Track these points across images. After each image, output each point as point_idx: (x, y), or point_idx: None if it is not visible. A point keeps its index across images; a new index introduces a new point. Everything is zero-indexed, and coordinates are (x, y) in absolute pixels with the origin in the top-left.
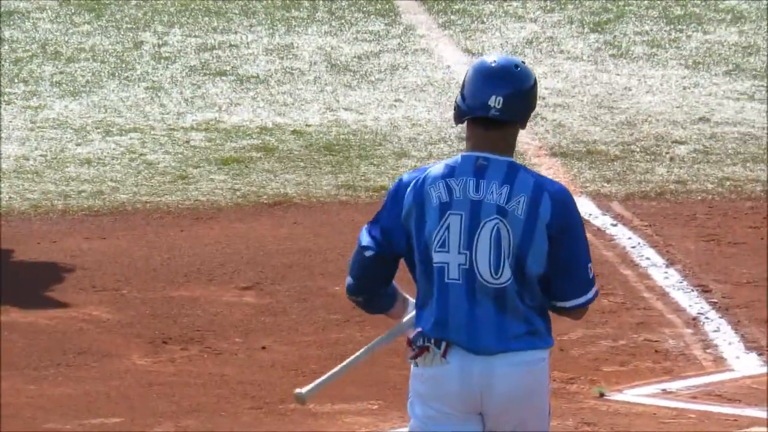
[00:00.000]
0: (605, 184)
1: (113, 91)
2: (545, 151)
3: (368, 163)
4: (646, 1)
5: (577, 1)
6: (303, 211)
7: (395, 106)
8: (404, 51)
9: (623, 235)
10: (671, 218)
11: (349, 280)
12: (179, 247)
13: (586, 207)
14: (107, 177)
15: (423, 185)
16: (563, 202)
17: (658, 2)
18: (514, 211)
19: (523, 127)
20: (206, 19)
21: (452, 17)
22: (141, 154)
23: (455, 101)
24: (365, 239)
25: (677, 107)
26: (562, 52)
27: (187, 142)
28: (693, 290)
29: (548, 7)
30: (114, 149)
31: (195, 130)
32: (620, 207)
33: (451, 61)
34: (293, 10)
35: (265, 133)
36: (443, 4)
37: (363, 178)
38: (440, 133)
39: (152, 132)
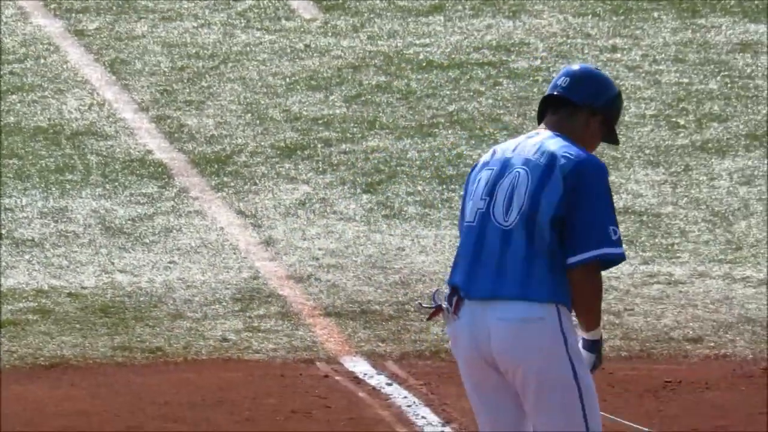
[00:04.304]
0: (380, 344)
1: None
2: (319, 311)
3: (144, 325)
4: (417, 162)
5: (348, 163)
6: (80, 373)
7: (170, 267)
8: (178, 213)
9: (399, 395)
10: (446, 377)
11: None
12: None
13: (360, 367)
14: None
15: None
16: (587, 162)
17: (430, 163)
18: (537, 159)
19: (593, 114)
20: None
21: (225, 179)
22: None
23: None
24: None
25: (450, 267)
26: (335, 212)
27: None
28: None
29: (320, 169)
30: None
31: None
32: (395, 366)
33: (224, 223)
34: (67, 174)
35: (41, 295)
36: (216, 167)
37: (139, 339)
38: (214, 294)
39: None
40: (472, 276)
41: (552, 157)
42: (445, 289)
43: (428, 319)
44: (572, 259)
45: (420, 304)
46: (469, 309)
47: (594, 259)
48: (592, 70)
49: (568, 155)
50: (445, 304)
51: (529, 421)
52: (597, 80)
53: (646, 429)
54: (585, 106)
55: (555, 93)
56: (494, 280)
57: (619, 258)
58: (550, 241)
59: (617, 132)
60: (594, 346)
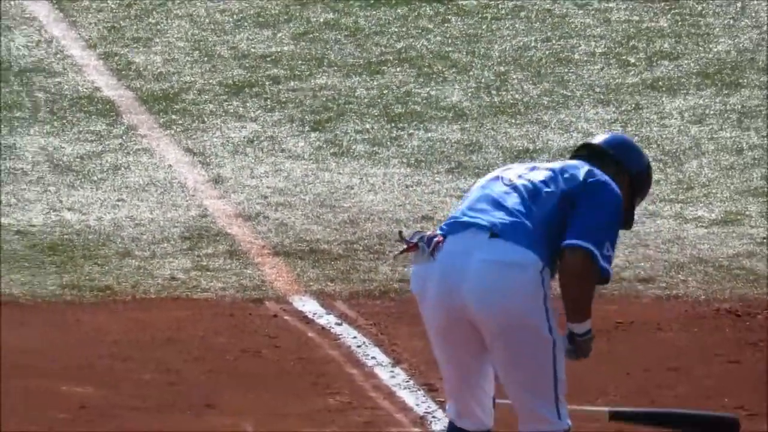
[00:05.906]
0: (329, 283)
1: None
2: (268, 250)
3: (92, 263)
4: (366, 100)
5: (297, 100)
6: (29, 311)
7: (118, 206)
8: (126, 151)
9: (348, 335)
10: (396, 317)
11: None
12: None
13: (309, 306)
14: None
15: None
16: (612, 185)
17: (378, 101)
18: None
19: (622, 173)
20: None
21: (173, 117)
22: None
23: None
24: None
25: (400, 206)
26: (283, 150)
27: None
28: (419, 389)
29: (268, 106)
30: None
31: None
32: (344, 306)
33: (172, 161)
34: (15, 111)
35: None
36: (164, 104)
37: (87, 277)
38: (163, 232)
39: None
40: (470, 213)
41: (581, 165)
42: (428, 232)
43: (397, 254)
44: (571, 241)
45: (400, 232)
46: (451, 247)
47: (589, 252)
48: (628, 138)
49: (597, 173)
50: (422, 243)
51: (489, 373)
52: (632, 145)
53: (606, 409)
54: (618, 162)
55: (593, 142)
56: (494, 216)
57: (604, 273)
58: (552, 211)
59: (635, 211)
60: (572, 337)
